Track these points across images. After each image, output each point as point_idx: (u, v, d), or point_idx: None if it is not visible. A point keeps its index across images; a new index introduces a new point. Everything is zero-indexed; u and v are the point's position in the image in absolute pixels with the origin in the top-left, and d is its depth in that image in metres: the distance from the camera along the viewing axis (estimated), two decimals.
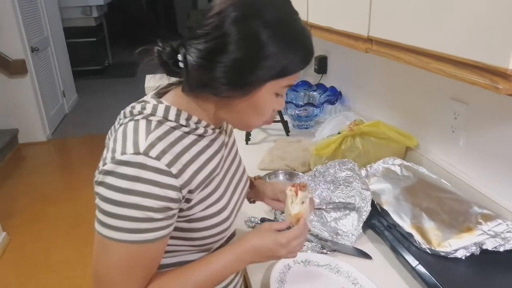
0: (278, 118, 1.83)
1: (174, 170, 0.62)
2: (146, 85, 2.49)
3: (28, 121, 4.05)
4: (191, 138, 0.69)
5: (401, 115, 1.44)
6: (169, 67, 0.69)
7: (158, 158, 0.61)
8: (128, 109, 0.70)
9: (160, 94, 0.74)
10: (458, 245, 0.94)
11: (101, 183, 0.61)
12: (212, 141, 0.75)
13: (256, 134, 1.84)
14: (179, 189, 0.63)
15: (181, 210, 0.67)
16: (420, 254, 0.96)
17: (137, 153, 0.60)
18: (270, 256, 0.75)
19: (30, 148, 4.07)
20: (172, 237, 0.70)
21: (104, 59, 6.85)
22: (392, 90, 1.50)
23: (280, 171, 1.44)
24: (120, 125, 0.68)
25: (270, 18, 0.63)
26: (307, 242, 1.06)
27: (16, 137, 4.06)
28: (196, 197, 0.68)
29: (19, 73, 3.83)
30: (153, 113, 0.67)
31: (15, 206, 3.04)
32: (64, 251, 2.57)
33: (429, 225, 1.01)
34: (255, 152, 1.64)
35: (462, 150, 1.17)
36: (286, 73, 0.66)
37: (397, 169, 1.22)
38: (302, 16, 1.37)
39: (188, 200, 0.67)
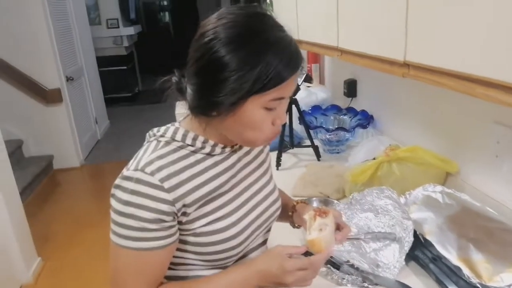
0: (308, 143, 1.81)
1: (166, 185, 0.68)
2: (176, 112, 2.53)
3: (63, 148, 4.19)
4: (197, 157, 0.74)
5: (439, 139, 1.39)
6: (184, 92, 0.74)
7: (152, 174, 0.67)
8: (148, 133, 0.78)
9: (183, 118, 0.80)
10: None
11: (112, 195, 0.70)
12: (223, 159, 0.78)
13: (287, 159, 1.82)
14: (171, 202, 0.68)
15: (181, 223, 0.72)
16: None
17: (136, 169, 0.68)
18: (276, 282, 0.74)
19: (65, 173, 4.19)
20: (182, 250, 0.75)
21: (134, 87, 7.06)
22: (428, 113, 1.46)
23: (314, 198, 1.41)
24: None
25: (227, 38, 0.65)
26: (347, 275, 1.02)
27: (51, 163, 4.19)
28: (195, 212, 0.72)
29: (55, 101, 3.98)
30: (163, 135, 0.74)
31: (50, 231, 3.11)
32: (98, 275, 2.58)
33: (478, 258, 0.95)
34: (287, 177, 1.61)
35: (506, 176, 1.11)
36: (263, 87, 0.65)
37: (439, 197, 1.17)
38: (333, 42, 1.37)
39: (185, 214, 0.71)
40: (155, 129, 0.76)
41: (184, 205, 0.70)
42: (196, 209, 0.72)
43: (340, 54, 1.28)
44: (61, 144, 4.17)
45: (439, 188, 1.20)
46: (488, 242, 0.98)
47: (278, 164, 1.73)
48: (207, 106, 0.69)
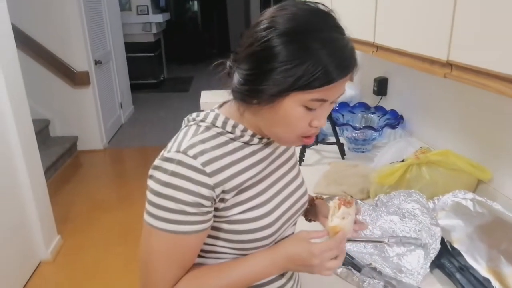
0: (334, 140, 1.77)
1: (208, 169, 0.67)
2: (201, 101, 2.53)
3: (87, 130, 4.26)
4: (235, 144, 0.74)
5: (472, 144, 1.33)
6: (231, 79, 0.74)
7: (194, 157, 0.67)
8: (186, 117, 0.78)
9: (220, 105, 0.80)
10: None
11: (150, 177, 0.69)
12: (259, 150, 0.77)
13: (310, 156, 1.79)
14: (212, 187, 0.67)
15: (217, 209, 0.71)
16: None
17: (177, 151, 0.68)
18: (303, 264, 0.73)
19: (88, 155, 4.26)
20: (214, 237, 0.75)
21: (159, 74, 7.12)
22: (462, 116, 1.40)
23: (337, 197, 1.37)
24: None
25: (284, 29, 0.64)
26: (368, 278, 0.99)
27: (75, 144, 4.27)
28: (232, 199, 0.72)
29: (83, 84, 4.05)
30: (203, 120, 0.74)
31: (71, 211, 3.17)
32: (115, 259, 2.63)
33: (509, 271, 0.91)
34: (309, 174, 1.58)
35: None
36: (307, 85, 0.63)
37: (469, 204, 1.12)
38: (369, 37, 1.32)
39: (223, 200, 0.71)
40: (194, 114, 0.76)
41: (223, 191, 0.70)
42: (233, 196, 0.72)
43: (375, 50, 1.24)
44: (86, 126, 4.24)
45: (470, 195, 1.16)
46: None
47: (301, 159, 1.71)
48: (249, 93, 0.68)
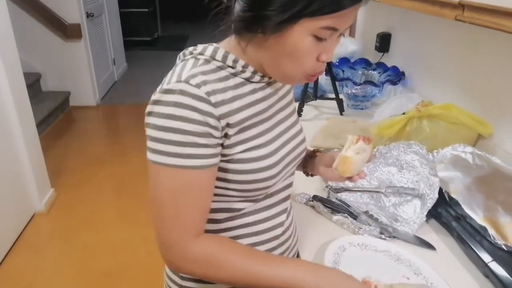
0: (332, 95, 1.74)
1: (213, 99, 0.63)
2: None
3: (80, 85, 4.17)
4: (236, 80, 0.70)
5: (475, 99, 1.31)
6: (231, 13, 0.68)
7: (197, 86, 0.63)
8: (182, 52, 0.72)
9: (221, 41, 0.74)
10: None
11: (150, 113, 0.64)
12: (260, 88, 0.73)
13: (308, 111, 1.77)
14: (217, 118, 0.63)
15: (222, 146, 0.67)
16: (494, 250, 0.87)
17: (178, 81, 0.63)
18: None
19: (80, 111, 4.20)
20: (218, 178, 0.70)
21: (153, 31, 6.92)
22: (465, 72, 1.37)
23: (335, 150, 1.36)
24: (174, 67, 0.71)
25: None
26: (364, 225, 0.99)
27: (68, 99, 4.20)
28: (236, 136, 0.68)
29: (75, 37, 3.92)
30: (201, 53, 0.69)
31: (64, 165, 3.16)
32: (108, 213, 2.64)
33: (506, 220, 0.91)
34: (307, 129, 1.52)
35: None
36: (318, 9, 0.58)
37: (469, 157, 1.11)
38: None
39: (226, 136, 0.67)
40: (191, 48, 0.71)
41: (228, 124, 0.66)
42: (236, 133, 0.68)
43: None
44: (79, 81, 4.15)
45: (469, 149, 1.14)
46: None
47: (299, 114, 1.68)
48: (253, 21, 0.63)
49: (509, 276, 0.79)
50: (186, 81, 0.63)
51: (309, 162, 0.97)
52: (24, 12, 3.76)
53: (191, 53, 0.70)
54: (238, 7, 0.65)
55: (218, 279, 0.69)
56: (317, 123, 1.66)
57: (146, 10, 6.42)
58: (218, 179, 0.70)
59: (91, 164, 3.18)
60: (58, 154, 3.30)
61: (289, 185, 0.85)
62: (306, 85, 1.71)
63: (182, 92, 0.62)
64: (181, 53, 0.73)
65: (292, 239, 0.88)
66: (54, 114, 3.86)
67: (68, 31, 3.87)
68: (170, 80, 0.65)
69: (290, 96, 0.86)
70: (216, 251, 0.67)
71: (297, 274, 0.67)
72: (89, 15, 4.07)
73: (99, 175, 3.05)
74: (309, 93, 1.79)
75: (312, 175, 1.00)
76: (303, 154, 0.87)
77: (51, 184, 2.74)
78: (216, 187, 0.71)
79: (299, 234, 0.95)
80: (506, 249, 0.86)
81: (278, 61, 0.66)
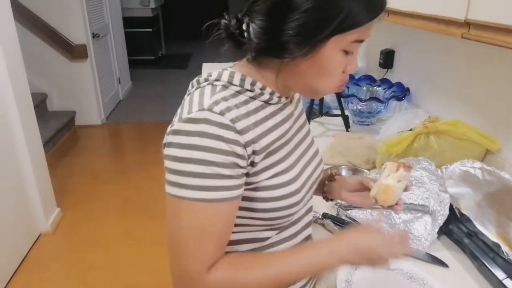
0: (337, 112, 1.75)
1: (238, 126, 0.61)
2: (203, 74, 2.49)
3: (85, 104, 4.21)
4: (256, 103, 0.68)
5: (482, 115, 1.31)
6: (236, 38, 0.66)
7: (222, 113, 0.60)
8: (195, 79, 0.70)
9: (235, 64, 0.73)
10: None
11: (169, 144, 0.61)
12: (279, 109, 0.72)
13: (314, 128, 1.77)
14: (243, 145, 0.61)
15: (247, 175, 0.65)
16: (508, 267, 0.86)
17: (201, 109, 0.60)
18: (369, 257, 0.67)
19: (86, 130, 4.23)
20: (240, 207, 0.67)
21: (158, 50, 7.02)
22: (470, 88, 1.37)
23: (342, 166, 1.37)
24: (188, 95, 0.69)
25: None
26: None
27: (73, 119, 4.23)
28: (261, 162, 0.65)
29: (80, 57, 3.98)
30: (218, 79, 0.67)
31: (70, 184, 3.16)
32: (113, 231, 2.63)
33: None
34: None
35: None
36: (352, 24, 0.58)
37: (478, 173, 1.11)
38: None
39: (253, 164, 0.64)
40: (204, 74, 0.69)
41: (253, 152, 0.63)
42: (262, 159, 0.65)
43: (387, 15, 1.20)
44: (84, 100, 4.19)
45: (478, 164, 1.14)
46: None
47: None
48: (281, 46, 0.61)
49: None
50: (210, 109, 0.60)
51: (328, 187, 0.93)
52: (31, 33, 3.82)
53: (206, 80, 0.68)
54: (255, 33, 0.63)
55: None
56: (323, 139, 1.66)
57: (151, 30, 6.52)
58: (243, 208, 0.67)
59: (96, 183, 3.19)
60: (64, 173, 3.31)
61: (310, 209, 0.83)
62: (312, 102, 1.73)
63: (207, 121, 0.59)
64: (194, 81, 0.71)
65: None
66: (59, 134, 3.89)
67: (74, 52, 3.93)
68: (191, 109, 0.62)
69: (304, 117, 0.85)
70: (231, 274, 0.64)
71: (314, 259, 0.67)
72: (95, 36, 4.14)
73: (104, 193, 3.05)
74: (314, 110, 1.80)
75: (332, 200, 0.97)
76: (321, 175, 0.85)
77: (57, 203, 2.74)
78: (240, 217, 0.68)
79: None
80: None
81: (309, 80, 0.65)
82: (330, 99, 1.91)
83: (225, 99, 0.63)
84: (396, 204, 0.78)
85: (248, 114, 0.64)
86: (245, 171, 0.63)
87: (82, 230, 2.64)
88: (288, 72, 0.66)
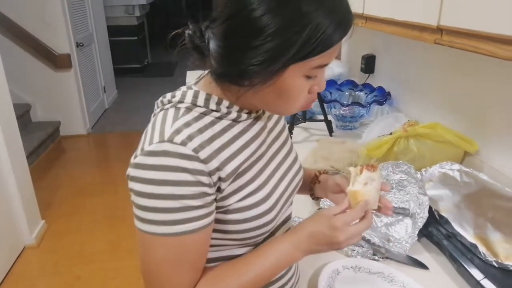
0: (321, 117, 1.76)
1: (202, 155, 0.58)
2: (187, 82, 2.50)
3: (70, 114, 4.17)
4: (223, 123, 0.65)
5: (460, 118, 1.34)
6: (201, 50, 0.63)
7: (183, 143, 0.58)
8: (160, 99, 0.68)
9: (197, 81, 0.71)
10: None
11: (133, 178, 0.59)
12: (249, 126, 0.69)
13: (298, 133, 1.79)
14: (208, 174, 0.59)
15: (215, 200, 0.63)
16: (485, 267, 0.87)
17: (162, 141, 0.58)
18: (327, 242, 0.66)
19: (71, 140, 4.18)
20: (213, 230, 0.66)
21: (143, 58, 6.99)
22: (450, 90, 1.40)
23: (323, 170, 1.37)
24: (153, 116, 0.67)
25: None
26: (357, 247, 0.99)
27: (58, 129, 4.18)
28: (229, 187, 0.64)
29: (64, 67, 3.94)
30: (181, 100, 0.64)
31: (55, 196, 3.12)
32: (100, 243, 2.60)
33: (495, 237, 0.92)
34: (297, 151, 1.57)
35: None
36: (309, 53, 0.55)
37: (456, 175, 1.13)
38: (358, 8, 1.31)
39: (219, 190, 0.62)
40: (168, 95, 0.66)
41: (219, 179, 0.61)
42: (230, 183, 0.63)
43: (364, 22, 1.22)
44: (69, 110, 4.15)
45: (456, 166, 1.16)
46: (507, 221, 0.94)
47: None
48: (238, 75, 0.59)
49: None
50: (170, 140, 0.58)
51: (316, 186, 0.92)
52: (13, 43, 3.78)
53: (169, 101, 0.65)
54: (213, 55, 0.61)
55: None
56: (307, 145, 1.68)
57: (136, 38, 6.50)
58: (217, 230, 0.66)
59: (83, 194, 3.15)
60: (49, 185, 3.26)
61: (288, 217, 0.82)
62: None
63: (167, 154, 0.57)
64: (158, 101, 0.68)
65: (295, 275, 0.85)
66: (44, 145, 3.84)
67: (58, 61, 3.90)
68: (152, 140, 0.59)
69: (282, 123, 0.83)
70: None
71: (281, 256, 0.67)
72: (79, 45, 4.11)
73: (90, 205, 3.01)
74: (298, 116, 1.81)
75: (320, 198, 0.96)
76: (300, 184, 0.84)
77: (42, 215, 2.69)
78: (214, 238, 0.67)
79: None
80: (497, 266, 0.86)
81: (272, 104, 0.64)
82: (313, 104, 1.92)
83: (187, 124, 0.61)
84: (385, 207, 0.75)
85: (213, 139, 0.62)
86: (213, 197, 0.62)
87: (68, 243, 2.60)
88: (248, 96, 0.63)
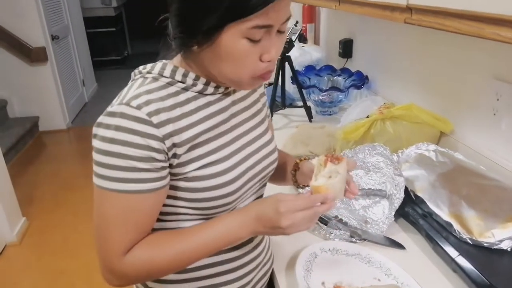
0: (301, 103, 1.76)
1: (155, 119, 0.62)
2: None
3: (49, 109, 4.08)
4: (188, 95, 0.68)
5: (435, 98, 1.34)
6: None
7: (138, 107, 0.61)
8: (133, 71, 0.72)
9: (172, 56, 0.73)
10: (503, 235, 0.86)
11: (94, 135, 0.64)
12: (216, 100, 0.72)
13: (278, 120, 1.78)
14: (161, 139, 0.62)
15: (172, 166, 0.66)
16: (460, 244, 0.88)
17: (120, 104, 0.62)
18: (272, 226, 0.67)
19: (51, 135, 4.10)
20: (172, 197, 0.69)
21: (123, 50, 6.87)
22: (425, 71, 1.41)
23: (303, 157, 1.37)
24: None
25: None
26: (335, 230, 1.00)
27: (36, 124, 4.10)
28: (185, 154, 0.66)
29: (40, 60, 3.85)
30: (150, 71, 0.68)
31: (36, 192, 3.06)
32: (83, 237, 2.57)
33: (470, 214, 0.93)
34: (277, 138, 1.53)
35: (504, 134, 1.08)
36: (242, 12, 0.56)
37: (432, 155, 1.14)
38: None
39: (175, 156, 0.65)
40: (141, 67, 0.70)
41: (173, 144, 0.64)
42: (187, 151, 0.66)
43: (338, 4, 1.21)
44: (47, 105, 4.06)
45: (432, 146, 1.17)
46: (481, 199, 0.95)
47: None
48: (184, 36, 0.63)
49: (475, 270, 0.80)
50: (127, 103, 0.61)
51: (297, 174, 0.91)
52: None
53: (140, 72, 0.69)
54: (171, 24, 0.66)
55: (164, 274, 0.70)
56: (287, 131, 1.67)
57: (114, 29, 6.38)
58: (177, 198, 0.69)
59: (64, 189, 3.10)
60: (29, 181, 3.20)
61: (260, 198, 0.82)
62: (274, 94, 1.73)
63: (123, 115, 0.61)
64: (132, 73, 0.72)
65: (265, 254, 0.86)
66: (22, 141, 3.76)
67: (33, 55, 3.80)
68: (114, 103, 0.64)
69: (258, 106, 0.83)
70: (146, 253, 0.66)
71: (227, 233, 0.68)
72: (54, 38, 4.01)
73: (72, 199, 2.97)
74: (277, 103, 1.80)
75: (304, 187, 0.93)
76: (274, 165, 0.83)
77: (22, 213, 2.65)
78: (174, 206, 0.69)
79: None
80: (471, 243, 0.87)
81: (219, 68, 0.64)
82: (293, 91, 1.92)
83: (148, 92, 0.64)
84: (350, 192, 0.76)
85: (173, 107, 0.65)
86: (165, 164, 0.64)
87: (50, 238, 2.56)
88: (204, 64, 0.66)
